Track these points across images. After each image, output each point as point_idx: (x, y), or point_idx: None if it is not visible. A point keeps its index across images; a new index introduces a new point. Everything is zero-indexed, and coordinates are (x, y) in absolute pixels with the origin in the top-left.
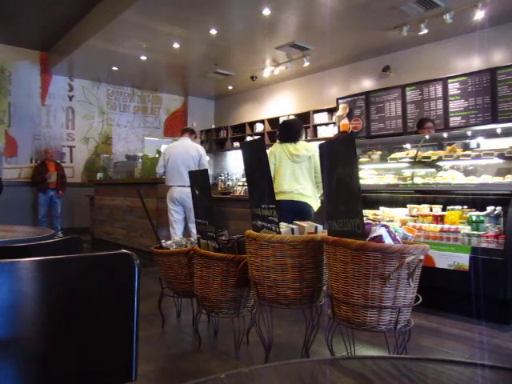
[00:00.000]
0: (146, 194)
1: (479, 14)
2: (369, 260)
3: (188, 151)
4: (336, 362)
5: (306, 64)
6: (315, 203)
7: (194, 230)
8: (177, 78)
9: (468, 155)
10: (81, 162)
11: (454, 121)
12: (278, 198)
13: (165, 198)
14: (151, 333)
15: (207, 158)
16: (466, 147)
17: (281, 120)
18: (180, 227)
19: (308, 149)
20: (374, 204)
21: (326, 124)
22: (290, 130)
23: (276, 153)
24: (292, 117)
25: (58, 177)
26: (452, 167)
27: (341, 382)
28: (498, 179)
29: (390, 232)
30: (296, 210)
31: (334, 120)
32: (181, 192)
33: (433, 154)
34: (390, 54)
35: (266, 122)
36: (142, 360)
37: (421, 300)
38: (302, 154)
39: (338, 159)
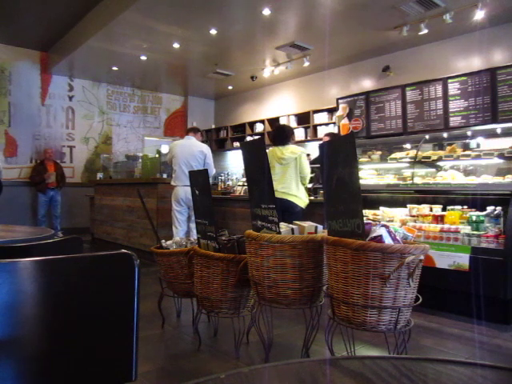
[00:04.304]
0: (146, 194)
1: (479, 14)
2: (369, 260)
3: (192, 151)
4: (336, 362)
5: (306, 64)
6: (300, 201)
7: (194, 231)
8: (177, 77)
9: (468, 155)
10: (81, 162)
11: (454, 121)
12: None
13: (165, 197)
14: (151, 333)
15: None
16: (466, 147)
17: (281, 120)
18: (183, 228)
19: (294, 151)
20: (374, 204)
21: (326, 124)
22: (280, 133)
23: (268, 157)
24: (292, 117)
25: (58, 176)
26: (452, 167)
27: (341, 382)
28: (498, 179)
29: (390, 232)
30: (282, 207)
31: (334, 120)
32: (185, 192)
33: (433, 154)
34: (389, 54)
35: (266, 122)
36: (141, 360)
37: (421, 300)
38: (287, 157)
39: (338, 159)
